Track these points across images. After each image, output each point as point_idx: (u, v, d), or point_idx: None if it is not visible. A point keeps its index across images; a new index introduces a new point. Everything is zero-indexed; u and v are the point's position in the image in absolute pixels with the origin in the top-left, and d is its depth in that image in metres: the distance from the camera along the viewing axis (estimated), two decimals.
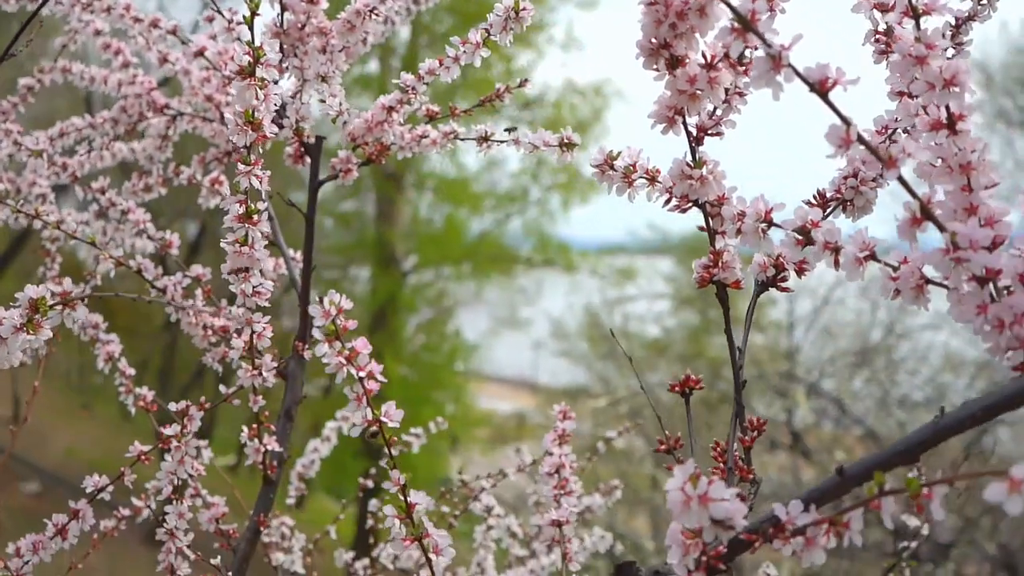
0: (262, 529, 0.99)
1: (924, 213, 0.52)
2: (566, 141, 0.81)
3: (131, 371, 1.10)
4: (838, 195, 0.69)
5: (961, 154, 0.54)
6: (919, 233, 0.53)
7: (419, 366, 11.00)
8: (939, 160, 0.56)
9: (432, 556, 0.65)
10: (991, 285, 0.52)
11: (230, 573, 0.94)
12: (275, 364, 0.91)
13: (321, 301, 0.62)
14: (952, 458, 5.92)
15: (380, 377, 0.64)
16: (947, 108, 0.54)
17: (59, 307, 0.66)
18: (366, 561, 1.36)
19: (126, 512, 1.14)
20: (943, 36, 0.74)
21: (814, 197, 0.70)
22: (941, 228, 0.52)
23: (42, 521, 0.93)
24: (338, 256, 11.35)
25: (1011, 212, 0.55)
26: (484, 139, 0.97)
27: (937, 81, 0.53)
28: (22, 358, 1.26)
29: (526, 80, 1.00)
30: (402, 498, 0.65)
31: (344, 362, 0.63)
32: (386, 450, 0.66)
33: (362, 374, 0.63)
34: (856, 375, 6.49)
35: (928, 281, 0.56)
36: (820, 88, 0.51)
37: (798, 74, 0.51)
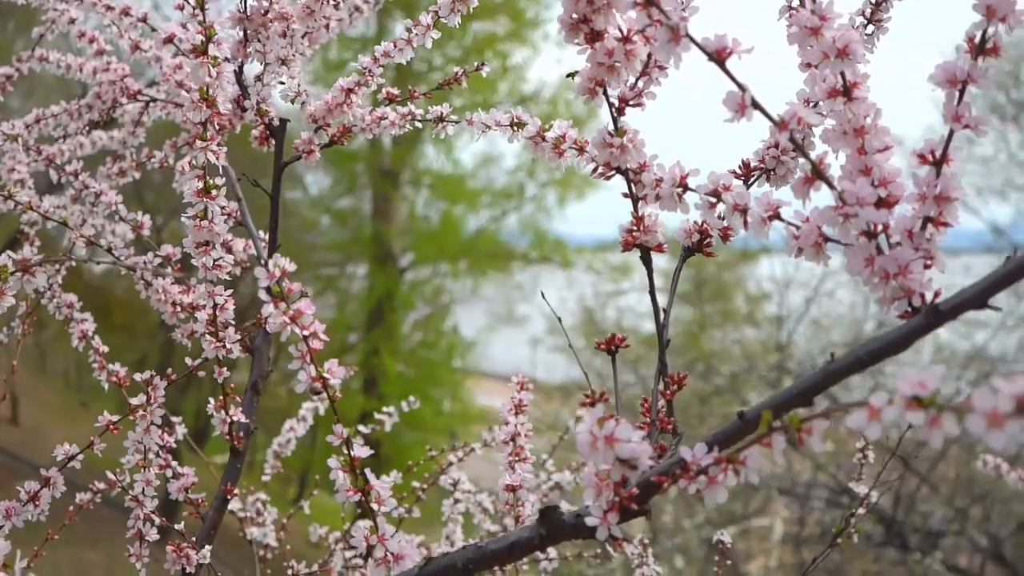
0: (229, 497, 1.03)
1: (816, 173, 0.56)
2: (516, 121, 0.85)
3: (104, 348, 1.14)
4: (761, 164, 0.73)
5: (855, 119, 0.58)
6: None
7: (416, 363, 11.03)
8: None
9: (375, 506, 0.69)
10: (879, 240, 0.56)
11: (194, 538, 0.98)
12: (239, 336, 0.95)
13: (266, 265, 0.66)
14: (941, 448, 5.95)
15: (323, 336, 0.67)
16: (842, 76, 0.58)
17: (18, 273, 0.70)
18: (338, 534, 1.40)
19: (101, 485, 1.18)
20: (862, 14, 0.78)
21: (738, 167, 0.73)
22: (831, 187, 0.56)
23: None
24: (335, 253, 11.38)
25: (902, 173, 0.58)
26: (440, 119, 1.00)
27: (831, 51, 0.57)
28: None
29: (483, 64, 1.04)
30: (345, 451, 0.69)
31: (288, 321, 0.66)
32: (331, 407, 0.70)
33: (306, 332, 0.67)
34: None
35: (827, 239, 0.59)
36: (718, 57, 0.55)
37: (696, 44, 0.55)
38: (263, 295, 0.66)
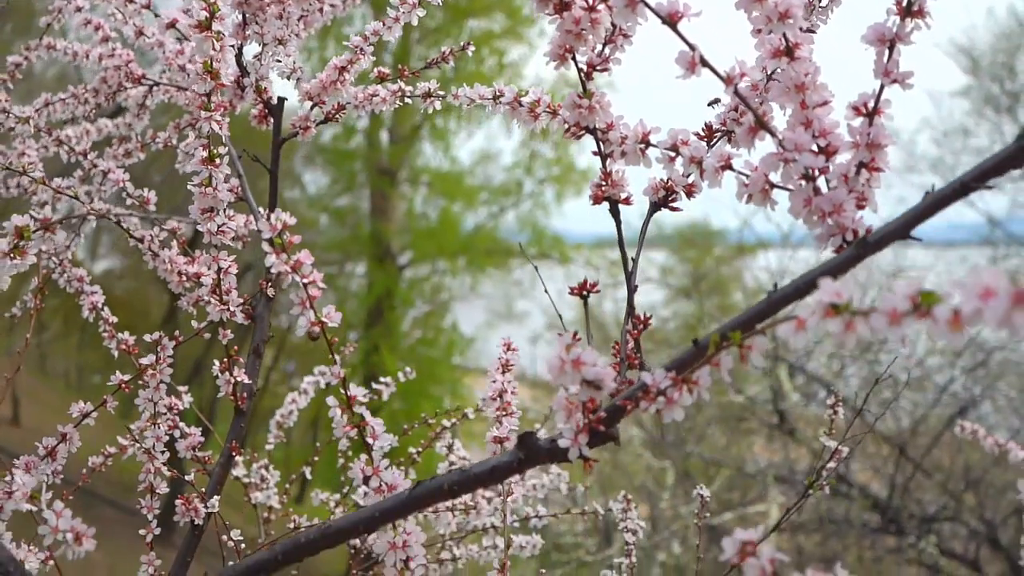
0: (234, 454, 1.10)
1: (759, 123, 0.63)
2: (496, 93, 0.91)
3: (114, 319, 1.20)
4: (723, 127, 0.79)
5: (796, 76, 0.64)
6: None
7: (416, 360, 11.08)
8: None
9: (370, 441, 0.76)
10: (817, 183, 0.62)
11: (203, 490, 1.04)
12: (242, 300, 1.01)
13: (269, 218, 0.72)
14: (935, 432, 6.01)
15: (321, 284, 0.74)
16: (784, 37, 0.65)
17: (41, 232, 0.76)
18: (338, 496, 1.47)
19: (112, 450, 1.24)
20: None
21: (702, 129, 0.80)
22: (773, 135, 0.62)
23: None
24: (334, 252, 11.44)
25: (840, 125, 0.65)
26: (428, 95, 1.07)
27: (773, 15, 0.63)
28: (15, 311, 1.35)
29: (468, 43, 1.10)
30: (343, 391, 0.76)
31: (290, 270, 0.73)
32: (330, 351, 0.76)
33: (306, 280, 0.73)
34: (841, 357, 6.60)
35: (772, 185, 0.66)
36: (671, 20, 0.61)
37: (650, 8, 0.61)
38: (266, 246, 0.73)
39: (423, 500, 0.69)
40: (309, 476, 1.45)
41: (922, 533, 5.62)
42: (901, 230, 0.58)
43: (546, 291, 0.91)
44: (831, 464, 1.16)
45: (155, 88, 1.30)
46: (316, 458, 1.51)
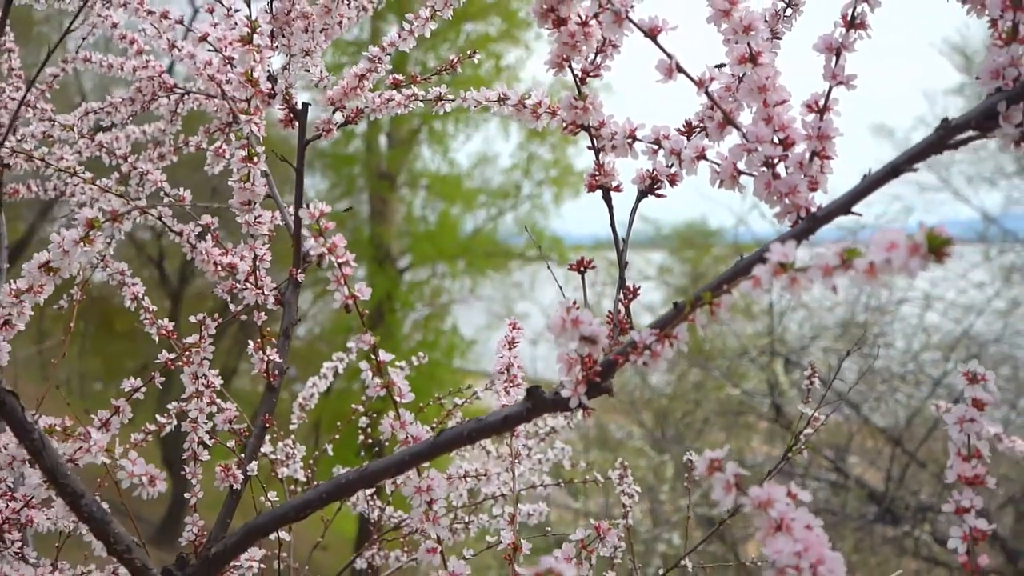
0: (267, 425, 1.21)
1: (727, 120, 0.74)
2: (501, 96, 1.03)
3: (153, 307, 1.32)
4: (701, 123, 0.91)
5: (759, 79, 0.76)
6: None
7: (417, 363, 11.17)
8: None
9: (396, 398, 0.87)
10: (776, 169, 0.74)
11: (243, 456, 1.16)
12: (275, 285, 1.13)
13: (308, 206, 0.84)
14: (929, 424, 6.10)
15: (352, 263, 0.85)
16: (749, 46, 0.76)
17: (109, 222, 0.87)
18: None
19: (152, 427, 1.35)
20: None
21: (682, 125, 0.91)
22: (739, 129, 0.74)
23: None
24: None
25: (797, 119, 0.76)
26: (439, 99, 1.18)
27: (738, 28, 0.75)
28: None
29: (475, 51, 1.22)
30: (373, 356, 0.87)
31: (326, 251, 0.84)
32: (359, 319, 0.88)
33: (341, 260, 0.85)
34: (837, 350, 6.71)
35: (739, 172, 0.77)
36: (651, 33, 0.73)
37: (635, 24, 0.73)
38: (306, 231, 0.84)
39: (446, 445, 0.81)
40: (331, 452, 1.56)
41: (917, 523, 5.74)
42: (843, 207, 0.69)
43: (550, 269, 1.02)
44: (808, 430, 1.27)
45: (186, 96, 1.42)
46: (337, 436, 1.63)
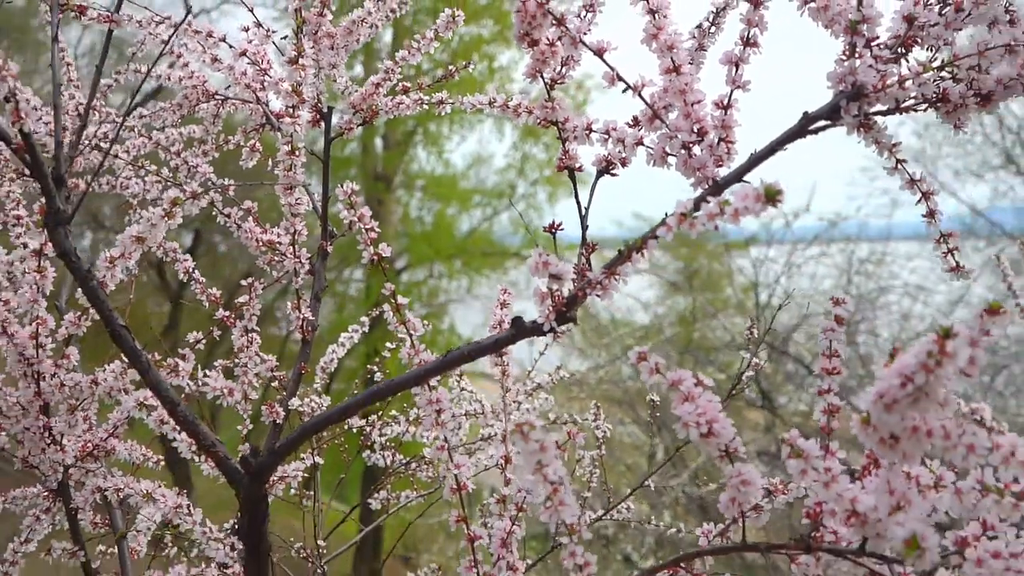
0: (303, 372, 1.47)
1: (655, 115, 1.01)
2: (492, 99, 1.29)
3: (203, 279, 1.58)
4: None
5: (679, 84, 1.02)
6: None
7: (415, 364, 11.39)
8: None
9: (411, 333, 1.14)
10: (693, 150, 1.01)
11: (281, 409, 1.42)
12: (309, 255, 1.40)
13: (341, 185, 1.10)
14: None
15: (376, 229, 1.12)
16: (672, 60, 1.03)
17: (189, 199, 1.14)
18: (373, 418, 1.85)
19: (221, 360, 1.62)
20: (708, 19, 1.22)
21: (632, 119, 1.18)
22: (663, 121, 1.01)
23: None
24: (332, 258, 11.78)
25: (709, 116, 1.03)
26: (441, 103, 1.45)
27: (664, 47, 1.02)
28: None
29: (469, 62, 1.48)
30: (393, 300, 1.14)
31: (356, 220, 1.11)
32: (384, 276, 1.14)
33: (367, 227, 1.11)
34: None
35: (667, 153, 1.04)
36: (598, 52, 1.00)
37: (585, 44, 0.99)
38: (339, 204, 1.11)
39: (453, 362, 1.07)
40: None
41: None
42: (734, 178, 0.96)
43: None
44: (749, 373, 1.53)
45: (225, 102, 1.68)
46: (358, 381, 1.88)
